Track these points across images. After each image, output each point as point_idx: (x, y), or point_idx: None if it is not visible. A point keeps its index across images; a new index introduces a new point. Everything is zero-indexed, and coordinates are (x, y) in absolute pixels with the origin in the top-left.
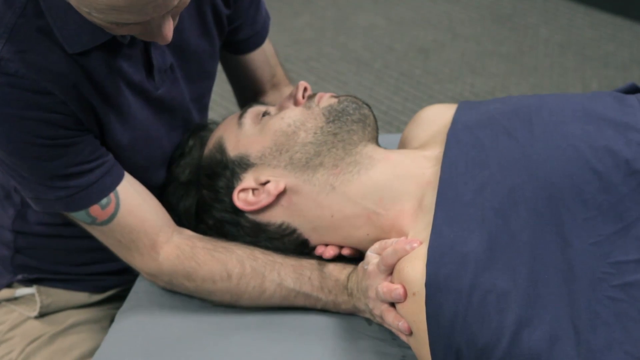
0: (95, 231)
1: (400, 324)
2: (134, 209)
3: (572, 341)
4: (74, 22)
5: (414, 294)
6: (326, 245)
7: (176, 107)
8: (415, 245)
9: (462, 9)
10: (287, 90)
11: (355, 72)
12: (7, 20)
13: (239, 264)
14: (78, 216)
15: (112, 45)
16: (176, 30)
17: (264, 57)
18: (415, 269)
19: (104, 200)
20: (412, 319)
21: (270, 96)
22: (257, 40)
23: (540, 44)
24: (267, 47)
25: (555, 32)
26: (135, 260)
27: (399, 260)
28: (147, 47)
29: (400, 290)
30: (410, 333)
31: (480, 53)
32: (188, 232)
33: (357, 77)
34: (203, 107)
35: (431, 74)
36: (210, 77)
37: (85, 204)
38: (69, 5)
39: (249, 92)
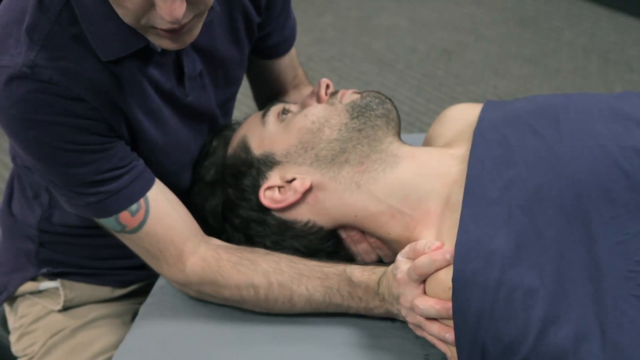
0: (125, 239)
1: (447, 335)
2: (162, 217)
3: (599, 339)
4: (108, 30)
5: (449, 287)
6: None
7: (204, 113)
8: (449, 256)
9: (485, 11)
10: (307, 90)
11: (377, 72)
12: (42, 27)
13: (265, 279)
14: (108, 223)
15: (145, 53)
16: (207, 37)
17: (289, 61)
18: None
19: (134, 207)
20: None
21: (291, 96)
22: (285, 46)
23: (564, 47)
24: (292, 50)
25: (579, 35)
26: (163, 270)
27: (436, 271)
28: (178, 54)
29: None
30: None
31: (504, 55)
32: (215, 242)
33: (380, 77)
34: (227, 111)
35: (454, 76)
36: (237, 84)
37: (115, 210)
38: (104, 13)
39: (270, 94)
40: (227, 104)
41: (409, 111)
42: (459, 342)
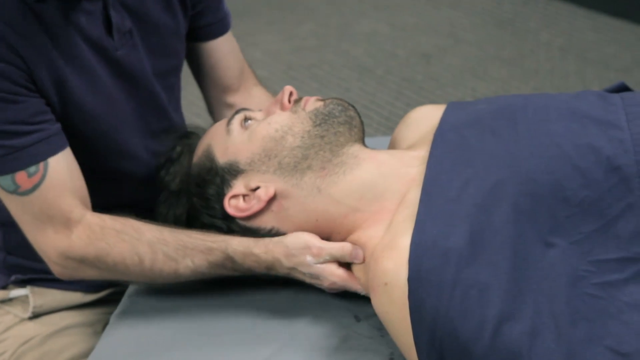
0: (13, 202)
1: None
2: (57, 185)
3: (553, 335)
4: None
5: (385, 284)
6: None
7: (137, 75)
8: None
9: (464, 15)
10: (257, 90)
11: (357, 78)
12: None
13: (150, 248)
14: (3, 182)
15: None
16: None
17: (229, 47)
18: (390, 259)
19: (32, 168)
20: (383, 309)
21: (241, 95)
22: (220, 27)
23: (542, 47)
24: (232, 40)
25: (557, 35)
26: (47, 238)
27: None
28: (105, 4)
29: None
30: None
31: (482, 58)
32: (101, 214)
33: (360, 83)
34: (169, 88)
35: (433, 79)
36: (175, 57)
37: (14, 167)
38: None
39: (217, 88)
40: (167, 79)
41: (388, 115)
42: (417, 341)
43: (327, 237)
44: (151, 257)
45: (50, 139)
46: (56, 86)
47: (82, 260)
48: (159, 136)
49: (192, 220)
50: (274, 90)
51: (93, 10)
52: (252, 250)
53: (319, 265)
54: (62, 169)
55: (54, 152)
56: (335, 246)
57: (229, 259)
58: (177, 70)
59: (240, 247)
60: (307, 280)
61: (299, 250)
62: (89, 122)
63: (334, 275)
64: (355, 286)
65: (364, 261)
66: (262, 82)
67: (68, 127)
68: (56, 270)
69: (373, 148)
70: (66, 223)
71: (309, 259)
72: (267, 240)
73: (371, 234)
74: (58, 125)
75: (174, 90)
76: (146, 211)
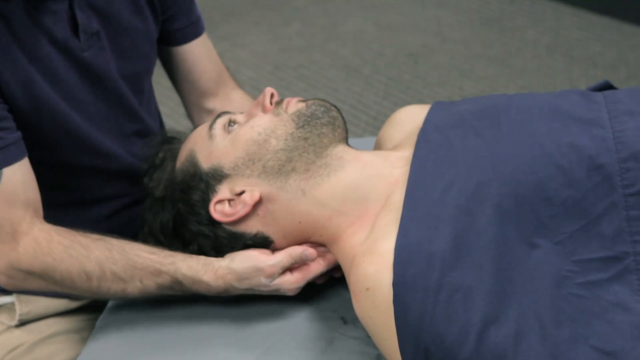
0: None
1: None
2: (8, 195)
3: (538, 336)
4: None
5: (367, 289)
6: None
7: (103, 76)
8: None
9: (450, 13)
10: (236, 94)
11: (344, 78)
12: None
13: (98, 266)
14: None
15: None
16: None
17: (204, 50)
18: (371, 264)
19: None
20: (366, 314)
21: (221, 99)
22: (193, 30)
23: (528, 46)
24: (207, 43)
25: (543, 33)
26: None
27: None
28: (71, 5)
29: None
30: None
31: (469, 56)
32: (50, 225)
33: (347, 83)
34: (139, 91)
35: (420, 79)
36: (145, 60)
37: None
38: None
39: (195, 92)
40: (137, 82)
41: (375, 115)
42: (402, 346)
43: (307, 239)
44: (99, 276)
45: (7, 148)
46: (23, 87)
47: (29, 273)
48: (131, 138)
49: (178, 227)
50: (261, 91)
51: (58, 11)
52: (202, 278)
53: (275, 282)
54: (17, 180)
55: (10, 162)
56: (284, 257)
57: (178, 283)
58: (147, 74)
59: (189, 272)
60: (266, 294)
61: (250, 273)
62: (58, 121)
63: (292, 283)
64: (316, 272)
65: (316, 254)
66: (249, 82)
67: (40, 126)
68: (2, 280)
69: (360, 149)
70: (13, 234)
71: (263, 280)
72: (215, 265)
73: (354, 241)
74: (17, 134)
75: (144, 93)
76: (131, 204)
